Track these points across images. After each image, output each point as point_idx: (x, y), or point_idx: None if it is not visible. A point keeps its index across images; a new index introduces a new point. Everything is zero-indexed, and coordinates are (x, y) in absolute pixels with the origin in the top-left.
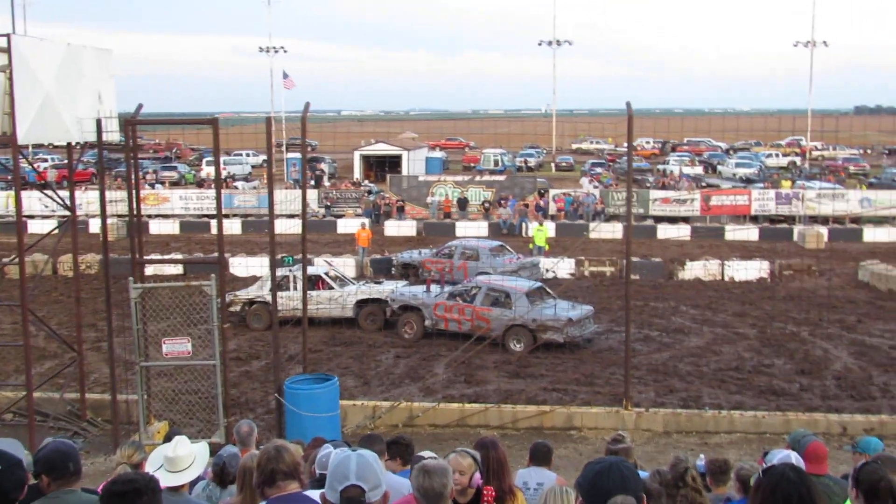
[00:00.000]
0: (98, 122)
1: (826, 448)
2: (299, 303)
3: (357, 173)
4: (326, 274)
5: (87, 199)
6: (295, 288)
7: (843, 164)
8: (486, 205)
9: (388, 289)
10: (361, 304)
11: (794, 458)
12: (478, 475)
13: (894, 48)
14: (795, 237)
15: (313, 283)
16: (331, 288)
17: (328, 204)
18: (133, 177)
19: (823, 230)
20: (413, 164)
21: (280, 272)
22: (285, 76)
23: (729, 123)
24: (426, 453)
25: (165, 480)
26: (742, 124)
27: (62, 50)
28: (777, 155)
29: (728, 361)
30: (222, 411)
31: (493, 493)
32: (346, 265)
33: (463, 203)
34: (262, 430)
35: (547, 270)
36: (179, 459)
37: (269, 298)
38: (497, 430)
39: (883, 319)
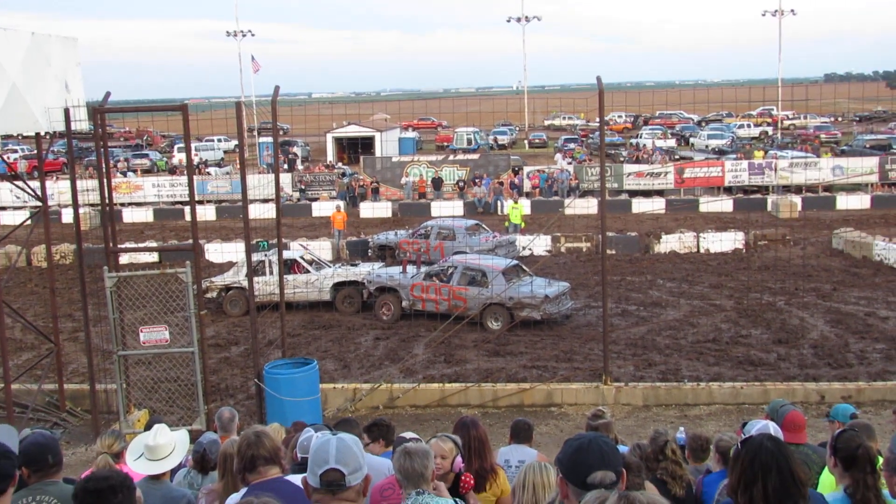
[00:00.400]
0: (66, 112)
1: (804, 417)
2: (276, 287)
3: (330, 156)
4: (302, 258)
5: (58, 189)
6: (271, 273)
7: (814, 132)
8: (461, 184)
9: (365, 271)
10: (338, 286)
11: (773, 428)
12: (459, 459)
13: (863, 14)
14: (769, 207)
15: (289, 267)
16: (307, 272)
17: (302, 188)
18: (104, 165)
19: (797, 199)
20: (386, 145)
21: (255, 257)
22: (253, 59)
23: (700, 95)
24: (408, 434)
25: (146, 469)
26: (713, 96)
27: (27, 39)
28: (749, 125)
29: (706, 333)
30: (202, 398)
31: (472, 482)
32: (322, 248)
33: (437, 183)
34: (244, 416)
35: (523, 248)
36: (160, 448)
37: (245, 284)
38: (478, 408)
39: (858, 287)
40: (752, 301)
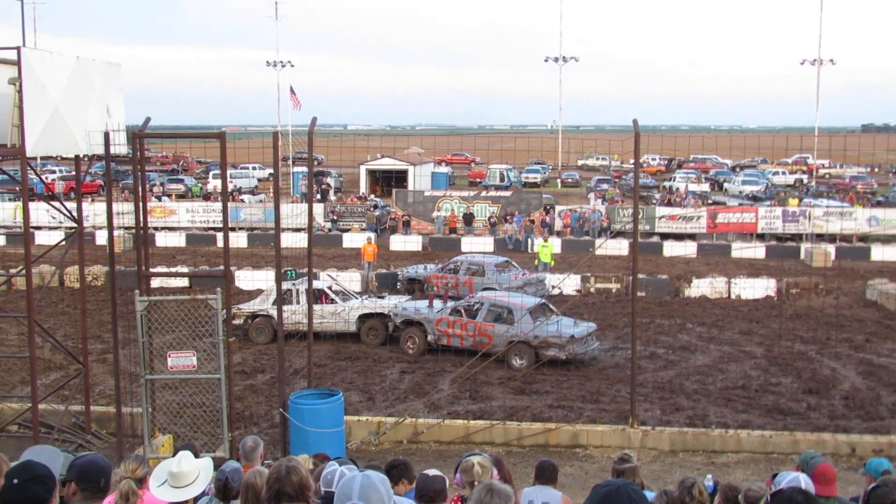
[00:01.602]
0: (106, 135)
1: (835, 469)
2: (302, 317)
3: (363, 187)
4: (329, 288)
5: (94, 211)
6: (298, 302)
7: (850, 182)
8: (492, 220)
9: (391, 303)
10: (364, 318)
11: (804, 480)
12: (496, 472)
13: None
14: (802, 255)
15: (316, 297)
16: (333, 302)
17: (334, 218)
18: (140, 189)
19: (831, 248)
20: (419, 178)
21: (284, 286)
22: (292, 92)
23: (735, 141)
24: (431, 471)
25: (170, 496)
26: (748, 142)
27: (71, 63)
28: (784, 173)
29: (735, 380)
30: (226, 425)
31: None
32: (351, 279)
33: (469, 218)
34: (267, 445)
35: (553, 287)
36: (184, 475)
37: (271, 312)
38: (502, 447)
39: (892, 339)
40: (783, 349)
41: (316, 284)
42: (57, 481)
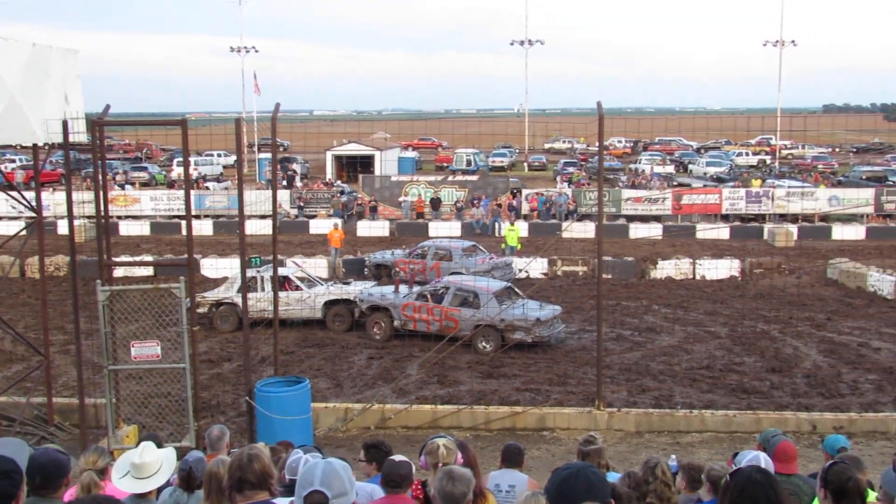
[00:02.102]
0: (64, 124)
1: (795, 447)
2: (268, 304)
3: (329, 173)
4: (294, 275)
5: (55, 201)
6: (263, 289)
7: (812, 162)
8: (459, 205)
9: (357, 289)
10: (329, 304)
11: (764, 458)
12: (460, 456)
13: (862, 48)
14: (765, 235)
15: (281, 284)
16: (299, 289)
17: (300, 204)
18: (101, 178)
19: (793, 228)
20: (385, 164)
21: (248, 273)
22: (255, 78)
23: (699, 122)
24: (397, 457)
25: (132, 487)
26: (712, 123)
27: (27, 50)
28: (747, 154)
29: (700, 360)
30: (192, 415)
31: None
32: (318, 266)
33: (436, 203)
34: (234, 434)
35: (520, 270)
36: (146, 466)
37: (236, 300)
38: (469, 431)
39: (852, 317)
40: (747, 329)
41: (281, 271)
42: (24, 475)
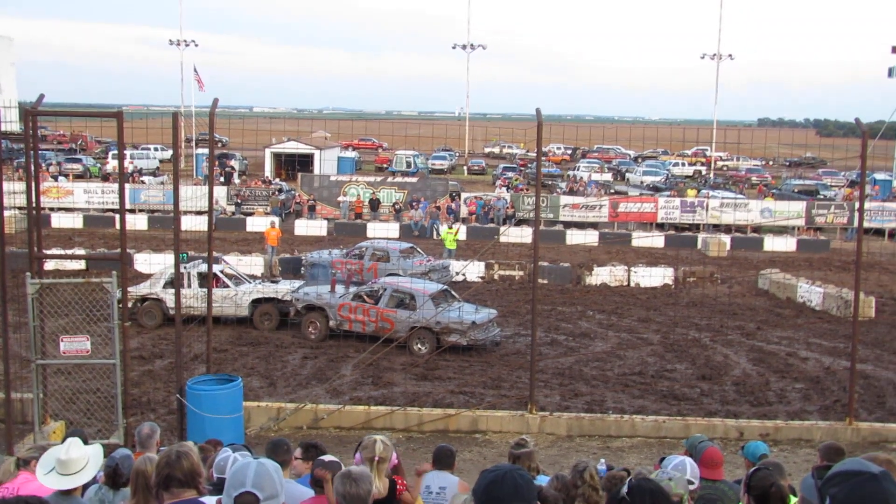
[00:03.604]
0: None
1: (722, 454)
2: (194, 301)
3: (268, 171)
4: (222, 272)
5: None
6: (190, 286)
7: (746, 174)
8: (398, 206)
9: (284, 288)
10: (256, 303)
11: (689, 463)
12: (394, 455)
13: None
14: (699, 245)
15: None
16: (226, 286)
17: (238, 201)
18: (33, 168)
19: (726, 238)
20: (325, 163)
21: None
22: (196, 73)
23: (637, 132)
24: (326, 457)
25: (57, 483)
26: (650, 133)
27: None
28: (683, 164)
29: (632, 366)
30: (121, 412)
31: (405, 485)
32: (254, 264)
33: (375, 204)
34: (165, 432)
35: (457, 273)
36: (72, 462)
37: (161, 296)
38: (402, 433)
39: (781, 327)
40: (679, 336)
41: (206, 268)
42: None
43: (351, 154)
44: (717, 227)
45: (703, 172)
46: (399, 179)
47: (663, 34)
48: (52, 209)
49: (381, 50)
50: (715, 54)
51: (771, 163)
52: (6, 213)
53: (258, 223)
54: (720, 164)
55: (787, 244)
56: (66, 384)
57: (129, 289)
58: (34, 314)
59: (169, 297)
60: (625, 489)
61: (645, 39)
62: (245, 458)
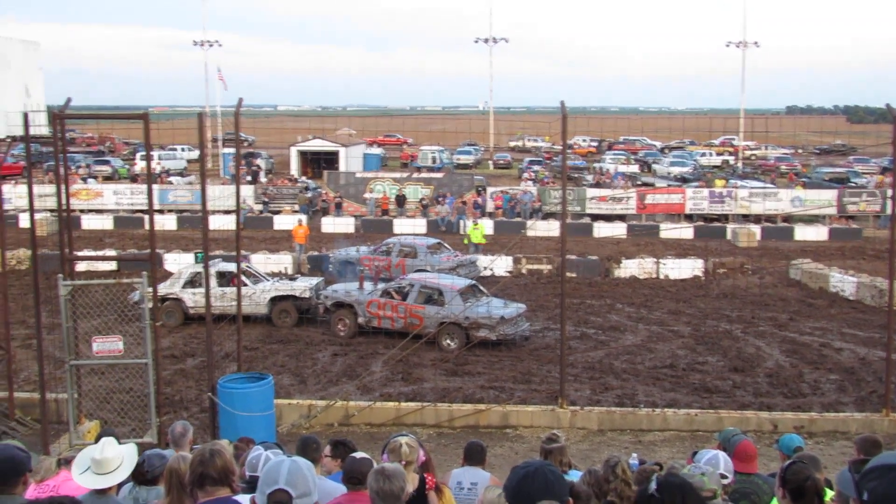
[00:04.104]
0: (25, 116)
1: (755, 447)
2: (214, 299)
3: (294, 169)
4: (241, 270)
5: (17, 194)
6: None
7: (774, 163)
8: (425, 202)
9: (302, 285)
10: (275, 300)
11: (723, 457)
12: (422, 452)
13: (825, 50)
14: (729, 235)
15: (227, 279)
16: (244, 284)
17: (265, 200)
18: (62, 171)
19: (756, 229)
20: (350, 160)
21: (194, 269)
22: (219, 72)
23: (663, 122)
24: (358, 454)
25: (92, 483)
26: (676, 123)
27: None
28: (710, 154)
29: (663, 359)
30: (154, 410)
31: (434, 480)
32: (282, 262)
33: (401, 200)
34: (197, 430)
35: (485, 268)
36: (107, 461)
37: (181, 295)
38: (433, 428)
39: (813, 317)
40: (710, 328)
41: (226, 266)
42: None
43: (376, 151)
44: (746, 218)
45: (731, 162)
46: (425, 175)
47: (687, 23)
48: (82, 211)
49: (401, 46)
50: (741, 42)
51: (800, 151)
52: (37, 216)
53: (286, 221)
54: (748, 153)
55: (818, 233)
56: (99, 384)
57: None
58: (67, 315)
59: (188, 297)
60: (653, 485)
61: (669, 28)
62: (277, 456)
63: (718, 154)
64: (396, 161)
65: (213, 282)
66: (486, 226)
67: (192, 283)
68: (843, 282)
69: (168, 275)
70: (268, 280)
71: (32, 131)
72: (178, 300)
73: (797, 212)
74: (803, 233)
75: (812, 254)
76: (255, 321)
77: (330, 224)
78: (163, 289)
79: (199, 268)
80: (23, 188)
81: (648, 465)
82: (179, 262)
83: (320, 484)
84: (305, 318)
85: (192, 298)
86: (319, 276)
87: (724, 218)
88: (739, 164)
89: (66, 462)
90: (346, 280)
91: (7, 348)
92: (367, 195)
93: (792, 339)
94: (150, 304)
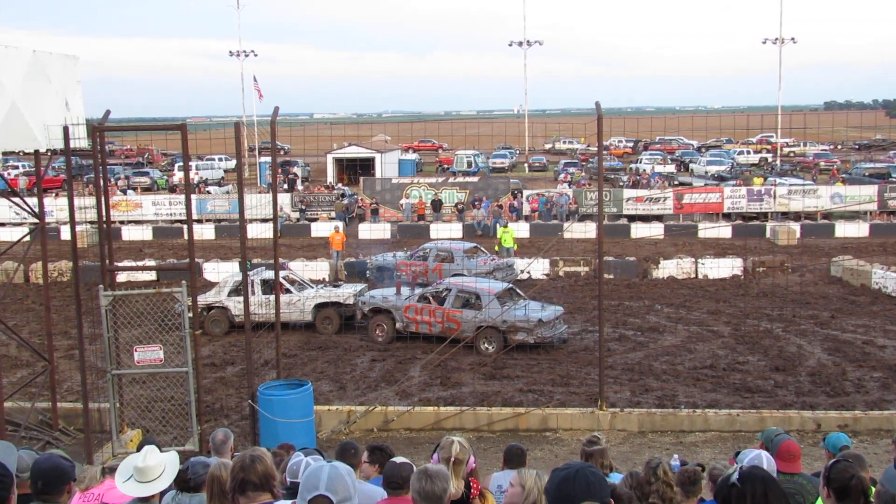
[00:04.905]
0: (65, 129)
1: (799, 446)
2: (259, 307)
3: (330, 176)
4: (285, 278)
5: (58, 206)
6: (254, 293)
7: (813, 159)
8: (460, 206)
9: (346, 292)
10: (320, 307)
11: (766, 457)
12: (472, 459)
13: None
14: (768, 234)
15: (271, 287)
16: (289, 292)
17: (302, 208)
18: (102, 183)
19: (795, 226)
20: (386, 166)
21: (240, 277)
22: (255, 81)
23: (699, 121)
24: (398, 459)
25: (135, 491)
26: (712, 122)
27: (28, 57)
28: (748, 152)
29: (703, 359)
30: (195, 418)
31: (479, 486)
32: (320, 269)
33: (437, 205)
34: (238, 437)
35: (521, 271)
36: (149, 469)
37: (226, 304)
38: (472, 433)
39: (856, 315)
40: (750, 328)
41: (270, 275)
42: (14, 478)
43: (411, 156)
44: (785, 215)
45: (770, 160)
46: (460, 179)
47: (723, 21)
48: (122, 222)
49: (434, 50)
50: (777, 38)
51: (839, 147)
52: (78, 228)
53: (323, 228)
54: (786, 150)
55: (859, 230)
56: (141, 393)
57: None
58: (108, 325)
59: (234, 305)
60: (735, 475)
61: (704, 27)
62: (317, 462)
63: (756, 152)
64: (432, 166)
65: (258, 289)
66: (523, 229)
67: (237, 291)
68: (886, 278)
69: (207, 284)
70: (312, 287)
71: (72, 144)
72: (224, 308)
73: (837, 208)
74: (844, 229)
75: (853, 250)
76: (294, 328)
77: (366, 230)
78: (209, 297)
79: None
80: (64, 201)
81: (690, 466)
82: (218, 272)
83: (360, 488)
84: (347, 325)
85: (238, 307)
86: (363, 283)
87: (763, 216)
88: (778, 162)
89: (110, 470)
90: (383, 286)
91: (50, 359)
92: (403, 201)
93: (834, 337)
94: (190, 313)
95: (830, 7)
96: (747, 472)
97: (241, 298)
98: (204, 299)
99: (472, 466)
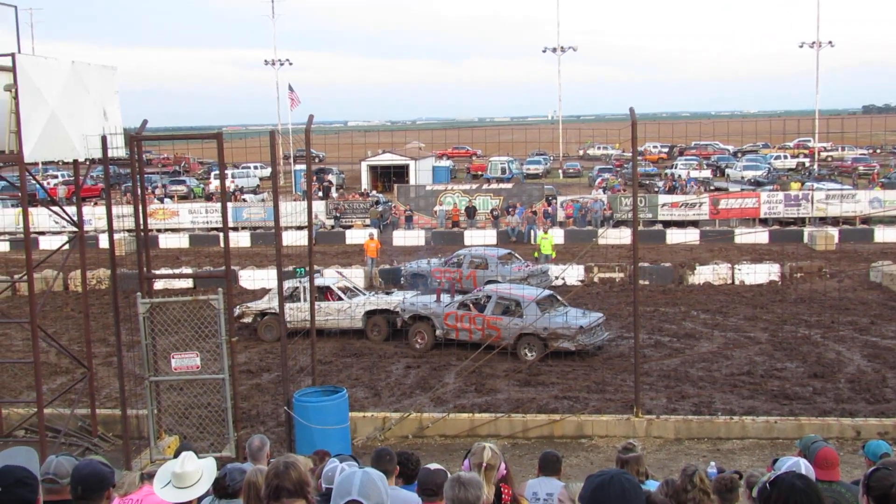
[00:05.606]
0: (103, 139)
1: (837, 454)
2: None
3: (364, 183)
4: (335, 285)
5: (96, 215)
6: (304, 299)
7: (852, 164)
8: (495, 213)
9: (398, 299)
10: (370, 314)
11: (804, 465)
12: (503, 465)
13: None
14: (805, 239)
15: (322, 294)
16: (340, 299)
17: (337, 215)
18: (139, 192)
19: (834, 231)
20: (420, 173)
21: (290, 283)
22: (290, 90)
23: (735, 126)
24: (432, 465)
25: (173, 497)
26: (749, 127)
27: (67, 68)
28: (785, 157)
29: (740, 366)
30: (231, 425)
31: (511, 493)
32: (355, 276)
33: (471, 211)
34: (274, 444)
35: (556, 278)
36: (187, 475)
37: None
38: (507, 439)
39: None
40: (788, 334)
41: (322, 282)
42: (39, 482)
43: (445, 163)
44: (823, 220)
45: (807, 164)
46: (494, 186)
47: (758, 25)
48: (159, 230)
49: (468, 57)
50: (814, 42)
51: (878, 151)
52: (116, 237)
53: (357, 235)
54: (824, 154)
55: None
56: (178, 399)
57: (250, 304)
58: (146, 332)
59: (288, 311)
60: (771, 476)
61: (740, 31)
62: (351, 468)
63: (793, 156)
64: (466, 173)
65: (307, 296)
66: (558, 235)
67: (289, 298)
68: None
69: (244, 291)
70: (364, 294)
71: (110, 154)
72: (277, 315)
73: (876, 213)
74: (883, 234)
75: (893, 256)
76: (329, 335)
77: (401, 237)
78: (262, 304)
79: (296, 283)
80: (102, 209)
81: (727, 473)
82: (254, 279)
83: (394, 494)
84: (393, 332)
85: (291, 313)
86: (414, 291)
87: (801, 221)
88: (815, 167)
89: (148, 477)
90: (417, 292)
91: (89, 366)
92: (437, 207)
93: (874, 344)
94: (226, 320)
95: (868, 8)
96: (782, 474)
97: (292, 305)
98: (257, 306)
99: (503, 472)
